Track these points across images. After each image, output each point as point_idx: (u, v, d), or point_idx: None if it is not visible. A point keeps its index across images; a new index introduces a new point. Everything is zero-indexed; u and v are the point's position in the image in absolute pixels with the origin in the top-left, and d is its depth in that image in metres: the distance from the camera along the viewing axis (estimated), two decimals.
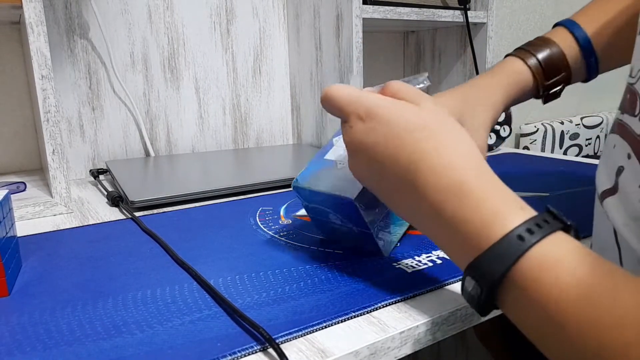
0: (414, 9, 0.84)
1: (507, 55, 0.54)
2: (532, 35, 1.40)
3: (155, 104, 0.85)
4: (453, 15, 0.89)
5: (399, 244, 0.44)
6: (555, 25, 0.54)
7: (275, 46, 0.95)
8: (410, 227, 0.47)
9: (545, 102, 0.55)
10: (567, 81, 0.53)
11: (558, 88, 0.53)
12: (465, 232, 0.28)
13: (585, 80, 0.55)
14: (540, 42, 0.52)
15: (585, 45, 0.51)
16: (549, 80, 0.52)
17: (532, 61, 0.51)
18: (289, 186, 0.67)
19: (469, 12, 0.91)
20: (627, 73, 0.40)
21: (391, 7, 0.81)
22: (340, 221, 0.41)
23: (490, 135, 0.90)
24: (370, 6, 0.79)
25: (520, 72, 0.52)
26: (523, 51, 0.52)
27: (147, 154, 0.85)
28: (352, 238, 0.42)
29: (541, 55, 0.51)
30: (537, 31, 1.41)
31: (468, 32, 0.93)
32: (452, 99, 0.50)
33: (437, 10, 0.87)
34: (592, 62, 0.52)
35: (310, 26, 0.88)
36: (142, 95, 0.83)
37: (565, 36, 0.52)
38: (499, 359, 0.77)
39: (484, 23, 0.94)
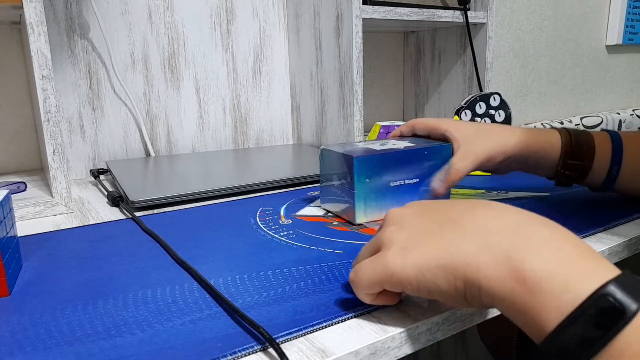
0: (413, 9, 0.84)
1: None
2: (532, 35, 1.40)
3: (155, 104, 0.85)
4: (453, 16, 0.89)
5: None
6: (603, 130, 0.56)
7: (275, 46, 0.95)
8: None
9: (557, 182, 0.55)
10: (585, 172, 0.53)
11: (573, 174, 0.53)
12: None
13: (595, 189, 0.55)
14: (581, 131, 0.54)
15: (616, 149, 0.52)
16: (571, 160, 0.53)
17: (566, 137, 0.53)
18: (289, 186, 0.67)
19: (468, 12, 0.91)
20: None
21: (391, 8, 0.81)
22: (338, 182, 0.51)
23: None
24: (370, 6, 0.79)
25: (550, 137, 0.53)
26: (564, 129, 0.54)
27: (148, 154, 0.85)
28: (342, 199, 0.51)
29: (576, 138, 0.53)
30: (537, 31, 1.41)
31: (468, 32, 0.93)
32: (470, 126, 0.53)
33: (437, 10, 0.87)
34: (614, 171, 0.53)
35: (310, 26, 0.88)
36: (143, 95, 0.83)
37: (603, 137, 0.53)
38: (499, 357, 0.77)
39: (484, 23, 0.94)
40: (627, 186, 0.54)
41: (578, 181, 0.54)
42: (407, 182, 0.51)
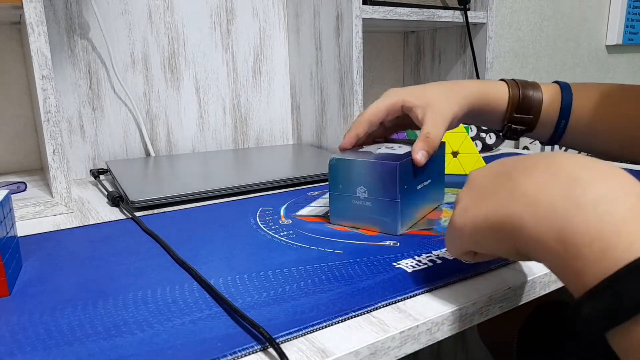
0: (413, 9, 0.84)
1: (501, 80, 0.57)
2: (532, 35, 1.40)
3: (155, 104, 0.85)
4: (453, 16, 0.89)
5: (398, 243, 0.44)
6: (554, 82, 0.56)
7: (275, 46, 0.95)
8: (418, 226, 0.48)
9: (504, 136, 0.56)
10: (531, 127, 0.55)
11: (520, 127, 0.55)
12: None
13: (544, 142, 0.57)
14: (531, 83, 0.54)
15: (565, 104, 0.53)
16: (517, 113, 0.54)
17: (514, 90, 0.53)
18: (289, 186, 0.67)
19: (468, 12, 0.91)
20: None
21: (391, 8, 0.81)
22: (367, 194, 0.47)
23: (489, 135, 0.90)
24: (370, 6, 0.79)
25: (497, 90, 0.54)
26: (513, 81, 0.55)
27: (148, 154, 0.85)
28: (373, 212, 0.47)
29: (524, 91, 0.53)
30: (537, 31, 1.41)
31: (468, 32, 0.93)
32: (429, 91, 0.52)
33: (437, 10, 0.87)
34: (561, 125, 0.53)
35: (310, 26, 0.88)
36: (143, 95, 0.83)
37: (553, 90, 0.54)
38: (500, 357, 0.77)
39: (484, 23, 0.94)
40: (574, 142, 0.55)
41: (525, 134, 0.55)
42: (425, 183, 0.51)
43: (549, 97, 0.53)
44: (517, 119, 0.54)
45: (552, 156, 0.29)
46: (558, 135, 0.54)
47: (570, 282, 0.25)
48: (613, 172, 0.26)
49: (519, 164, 0.30)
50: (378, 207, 0.47)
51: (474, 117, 0.54)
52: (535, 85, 0.54)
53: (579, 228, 0.25)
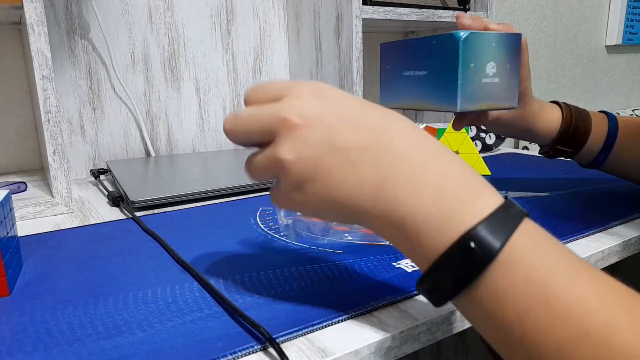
0: (413, 9, 0.84)
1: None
2: (532, 35, 1.40)
3: (155, 104, 0.85)
4: (453, 16, 0.89)
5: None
6: (601, 111, 0.58)
7: (276, 46, 0.95)
8: None
9: (539, 152, 0.59)
10: (573, 154, 0.57)
11: (560, 154, 0.57)
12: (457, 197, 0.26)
13: (583, 165, 0.59)
14: (583, 113, 0.56)
15: (609, 137, 0.55)
16: (561, 145, 0.56)
17: (565, 122, 0.55)
18: None
19: (468, 12, 0.91)
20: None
21: (391, 8, 0.81)
22: (495, 69, 0.44)
23: (489, 136, 0.90)
24: (370, 7, 0.79)
25: (550, 118, 0.56)
26: (567, 107, 0.56)
27: (148, 154, 0.85)
28: (500, 88, 0.45)
29: (575, 123, 0.55)
30: (536, 31, 1.41)
31: None
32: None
33: (437, 10, 0.87)
34: (600, 159, 0.56)
35: (310, 26, 0.88)
36: (143, 95, 0.83)
37: (601, 124, 0.55)
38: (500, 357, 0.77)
39: None
40: (610, 170, 0.57)
41: (563, 156, 0.57)
42: (499, 69, 0.46)
43: (596, 130, 0.55)
44: (559, 150, 0.56)
45: (386, 131, 0.28)
46: (595, 164, 0.57)
47: (413, 259, 0.28)
48: (429, 144, 0.28)
49: (359, 130, 0.28)
50: (504, 82, 0.45)
51: (519, 131, 0.56)
52: (586, 119, 0.55)
53: (412, 209, 0.26)
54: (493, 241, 0.24)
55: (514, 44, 0.45)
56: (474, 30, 0.46)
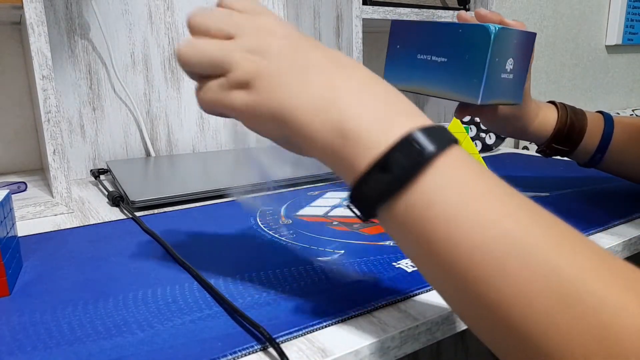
0: (413, 9, 0.84)
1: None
2: None
3: (155, 104, 0.85)
4: (453, 16, 0.89)
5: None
6: (599, 112, 0.58)
7: None
8: None
9: (536, 151, 0.60)
10: (569, 153, 0.58)
11: (556, 153, 0.58)
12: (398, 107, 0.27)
13: (580, 164, 0.60)
14: (579, 113, 0.56)
15: (605, 136, 0.55)
16: (556, 144, 0.57)
17: (561, 121, 0.56)
18: (289, 186, 0.67)
19: (468, 12, 0.91)
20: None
21: (391, 8, 0.81)
22: (512, 65, 0.44)
23: (489, 135, 0.90)
24: (370, 7, 0.79)
25: (546, 117, 0.56)
26: (563, 108, 0.57)
27: (148, 154, 0.85)
28: (514, 84, 0.46)
29: (570, 122, 0.56)
30: (536, 31, 1.41)
31: None
32: None
33: (437, 10, 0.87)
34: (597, 158, 0.56)
35: (310, 27, 0.88)
36: (143, 95, 0.83)
37: (597, 123, 0.56)
38: None
39: None
40: (607, 169, 0.58)
41: (559, 155, 0.58)
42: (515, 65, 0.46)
43: (591, 129, 0.56)
44: (555, 149, 0.57)
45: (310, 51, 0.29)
46: (592, 163, 0.57)
47: (345, 169, 0.27)
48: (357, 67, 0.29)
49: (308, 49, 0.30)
50: (516, 79, 0.46)
51: (516, 129, 0.56)
52: (581, 117, 0.56)
53: (356, 115, 0.26)
54: (433, 144, 0.25)
55: (530, 42, 0.46)
56: (493, 23, 0.46)
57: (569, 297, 0.21)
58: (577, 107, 0.57)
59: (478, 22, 0.48)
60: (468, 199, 0.24)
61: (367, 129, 0.26)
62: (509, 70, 0.44)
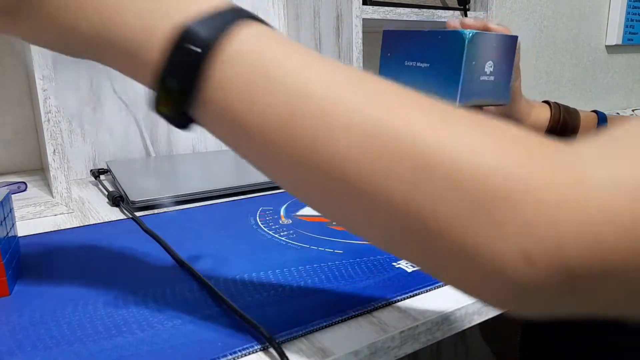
0: (413, 9, 0.84)
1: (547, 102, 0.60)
2: (532, 35, 1.40)
3: None
4: (453, 16, 0.89)
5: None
6: (594, 111, 0.59)
7: None
8: None
9: None
10: None
11: None
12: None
13: None
14: (572, 112, 0.57)
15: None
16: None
17: (554, 119, 0.57)
18: None
19: (468, 12, 0.91)
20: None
21: (391, 8, 0.81)
22: (492, 68, 0.47)
23: None
24: (370, 7, 0.79)
25: (539, 114, 0.57)
26: (556, 105, 0.58)
27: (148, 154, 0.85)
28: (495, 86, 0.48)
29: (563, 121, 0.57)
30: (536, 31, 1.41)
31: None
32: None
33: (437, 10, 0.87)
34: None
35: (310, 27, 0.88)
36: (143, 95, 0.83)
37: (591, 121, 0.57)
38: (503, 353, 0.77)
39: None
40: None
41: None
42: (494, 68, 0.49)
43: (583, 129, 0.57)
44: None
45: None
46: None
47: (145, 82, 0.24)
48: None
49: None
50: (498, 80, 0.48)
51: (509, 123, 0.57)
52: (574, 117, 0.57)
53: (124, 23, 0.23)
54: (207, 33, 0.22)
55: (510, 45, 0.48)
56: (476, 29, 0.48)
57: (376, 135, 0.21)
58: (577, 107, 0.57)
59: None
60: (267, 75, 0.22)
61: (140, 38, 0.23)
62: (488, 72, 0.47)
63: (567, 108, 0.57)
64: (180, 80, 0.23)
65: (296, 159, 0.22)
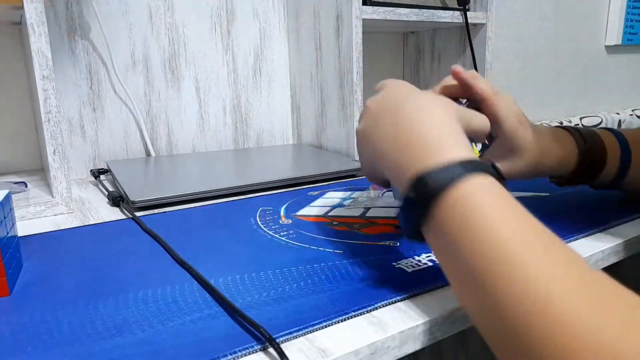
0: (413, 9, 0.84)
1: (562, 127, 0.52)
2: (531, 35, 1.40)
3: (155, 104, 0.85)
4: (452, 16, 0.89)
5: (398, 243, 0.44)
6: (607, 129, 0.52)
7: (276, 47, 0.95)
8: None
9: (558, 184, 0.53)
10: (591, 181, 0.52)
11: (577, 185, 0.52)
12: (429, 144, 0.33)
13: (597, 189, 0.54)
14: (595, 142, 0.49)
15: (623, 159, 0.50)
16: (578, 177, 0.50)
17: (580, 155, 0.49)
18: (289, 186, 0.67)
19: (468, 12, 0.91)
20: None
21: (391, 8, 0.82)
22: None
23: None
24: (370, 7, 0.79)
25: (564, 153, 0.49)
26: (579, 136, 0.49)
27: (148, 154, 0.85)
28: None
29: (589, 152, 0.49)
30: (536, 31, 1.41)
31: (467, 33, 0.93)
32: (532, 131, 0.49)
33: (437, 11, 0.87)
34: (619, 180, 0.51)
35: (310, 27, 0.88)
36: (143, 95, 0.83)
37: (613, 147, 0.50)
38: None
39: (484, 24, 0.94)
40: (630, 188, 0.53)
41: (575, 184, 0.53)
42: None
43: (610, 157, 0.50)
44: (576, 180, 0.51)
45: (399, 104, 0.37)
46: (614, 185, 0.52)
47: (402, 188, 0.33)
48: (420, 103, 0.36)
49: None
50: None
51: (538, 173, 0.49)
52: (599, 148, 0.49)
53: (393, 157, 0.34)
54: (433, 183, 0.30)
55: None
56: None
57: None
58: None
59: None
60: (469, 230, 0.28)
61: (404, 168, 0.33)
62: None
63: (590, 143, 0.49)
64: (413, 209, 0.31)
65: (481, 299, 0.26)
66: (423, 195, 0.30)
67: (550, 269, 0.24)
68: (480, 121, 0.39)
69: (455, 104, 0.37)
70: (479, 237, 0.27)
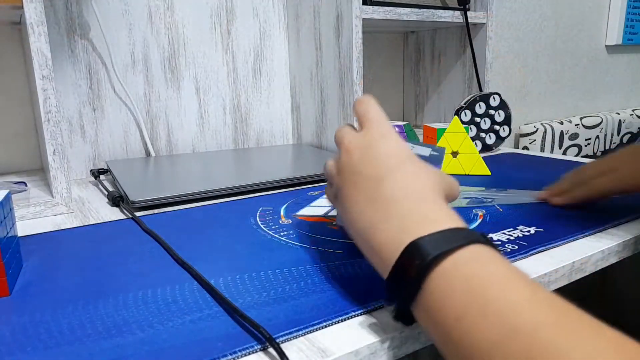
0: (413, 9, 0.84)
1: None
2: (532, 35, 1.40)
3: (155, 104, 0.85)
4: (453, 16, 0.89)
5: None
6: None
7: (276, 46, 0.95)
8: None
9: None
10: None
11: None
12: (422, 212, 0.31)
13: None
14: None
15: None
16: None
17: None
18: (289, 186, 0.67)
19: (468, 12, 0.91)
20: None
21: (391, 8, 0.82)
22: None
23: (489, 136, 0.90)
24: (370, 7, 0.79)
25: None
26: None
27: (148, 153, 0.85)
28: None
29: None
30: (536, 31, 1.41)
31: (468, 32, 0.93)
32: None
33: (437, 10, 0.87)
34: None
35: (310, 26, 0.88)
36: (143, 95, 0.83)
37: None
38: None
39: (484, 23, 0.94)
40: None
41: None
42: None
43: None
44: None
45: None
46: None
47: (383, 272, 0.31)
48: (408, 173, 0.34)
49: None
50: None
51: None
52: None
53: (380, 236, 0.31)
54: (430, 251, 0.27)
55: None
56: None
57: None
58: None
59: None
60: (476, 297, 0.25)
61: (386, 246, 0.31)
62: None
63: None
64: (406, 284, 0.28)
65: None
66: (417, 264, 0.27)
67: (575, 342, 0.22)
68: (457, 189, 0.38)
69: (437, 174, 0.35)
70: (488, 303, 0.25)
